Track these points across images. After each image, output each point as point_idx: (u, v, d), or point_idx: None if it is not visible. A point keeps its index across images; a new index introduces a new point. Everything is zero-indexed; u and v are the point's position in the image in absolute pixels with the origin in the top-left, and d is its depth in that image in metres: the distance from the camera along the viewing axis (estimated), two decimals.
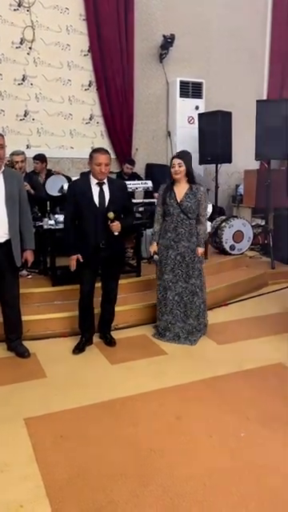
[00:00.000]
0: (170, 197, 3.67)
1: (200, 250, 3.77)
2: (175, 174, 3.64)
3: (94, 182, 3.44)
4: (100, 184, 3.44)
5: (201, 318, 3.85)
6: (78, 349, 3.64)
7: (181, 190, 3.68)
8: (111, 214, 3.38)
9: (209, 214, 5.18)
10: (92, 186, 3.44)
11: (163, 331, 3.84)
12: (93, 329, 3.80)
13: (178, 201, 3.65)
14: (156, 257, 3.77)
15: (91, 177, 3.46)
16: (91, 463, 2.28)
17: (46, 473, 2.21)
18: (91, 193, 3.43)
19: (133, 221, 3.86)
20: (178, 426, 2.61)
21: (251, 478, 2.18)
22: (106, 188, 3.46)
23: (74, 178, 5.18)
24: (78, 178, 4.42)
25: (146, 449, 2.39)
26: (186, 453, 2.37)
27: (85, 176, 3.59)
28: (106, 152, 3.44)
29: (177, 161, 3.64)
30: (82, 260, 3.46)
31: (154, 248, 3.79)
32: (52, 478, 2.18)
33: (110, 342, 3.79)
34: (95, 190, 3.44)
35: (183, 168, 3.62)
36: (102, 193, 3.45)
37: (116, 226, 3.41)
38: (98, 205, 3.43)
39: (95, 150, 3.47)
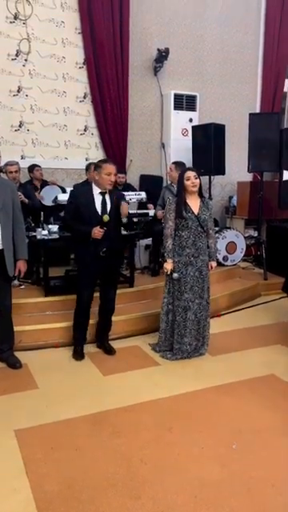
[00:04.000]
0: (186, 210, 3.55)
1: (214, 264, 3.72)
2: (193, 186, 3.53)
3: (96, 191, 3.52)
4: (102, 193, 3.51)
5: (206, 331, 3.78)
6: (80, 355, 3.67)
7: (194, 203, 3.59)
8: (106, 217, 3.43)
9: None
10: (95, 195, 3.51)
11: (182, 353, 3.69)
12: (85, 340, 3.80)
13: (196, 213, 3.57)
14: (176, 275, 3.57)
15: (94, 186, 3.53)
16: (82, 475, 2.26)
17: (36, 485, 2.19)
18: (94, 201, 3.50)
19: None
20: (169, 438, 2.60)
21: (243, 490, 2.17)
22: (107, 197, 3.54)
23: (68, 189, 5.22)
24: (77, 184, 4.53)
25: (137, 460, 2.38)
26: (177, 465, 2.36)
27: (87, 185, 3.64)
28: (114, 162, 3.55)
29: (193, 173, 3.55)
30: (101, 230, 3.42)
31: (170, 266, 3.57)
32: (42, 490, 2.15)
33: (110, 350, 3.80)
34: (98, 199, 3.51)
35: (198, 180, 3.56)
36: (104, 202, 3.52)
37: (125, 209, 3.55)
38: (100, 213, 3.48)
39: (103, 161, 3.58)
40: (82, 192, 3.61)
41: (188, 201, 3.59)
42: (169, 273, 3.62)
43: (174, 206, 3.60)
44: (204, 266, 3.65)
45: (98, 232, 3.41)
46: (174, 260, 3.60)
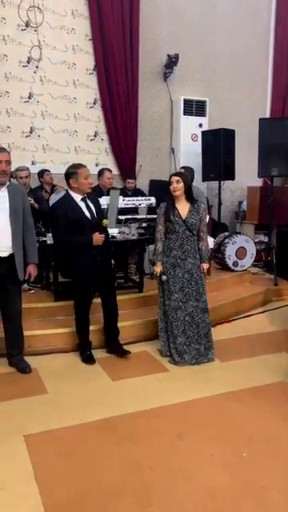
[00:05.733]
0: (173, 214, 3.64)
1: (205, 266, 3.76)
2: (173, 191, 3.62)
3: (78, 198, 3.55)
4: (83, 199, 3.56)
5: (209, 335, 3.79)
6: (92, 359, 3.69)
7: (183, 207, 3.67)
8: (106, 222, 3.54)
9: None
10: (78, 203, 3.55)
11: (180, 354, 3.70)
12: (91, 344, 3.82)
13: (183, 218, 3.64)
14: (164, 277, 3.66)
15: (73, 194, 3.55)
16: (91, 481, 2.25)
17: (45, 491, 2.18)
18: (80, 209, 3.54)
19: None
20: (179, 445, 2.58)
21: (253, 498, 2.14)
22: (88, 201, 3.60)
23: (54, 201, 5.23)
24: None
25: (147, 467, 2.36)
26: (187, 472, 2.33)
27: (65, 196, 3.64)
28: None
29: (175, 178, 3.64)
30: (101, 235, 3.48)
31: (159, 268, 3.70)
32: (51, 496, 2.15)
33: (124, 352, 3.79)
34: (82, 206, 3.55)
35: (181, 185, 3.62)
36: (88, 207, 3.58)
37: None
38: (90, 218, 3.54)
39: (78, 166, 3.55)
40: (64, 204, 3.57)
41: (177, 205, 3.68)
42: (158, 275, 3.72)
43: (163, 210, 3.70)
44: (194, 269, 3.69)
45: (100, 238, 3.47)
46: (163, 261, 3.70)
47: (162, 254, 3.71)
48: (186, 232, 3.64)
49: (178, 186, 3.62)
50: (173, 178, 3.67)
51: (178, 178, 3.64)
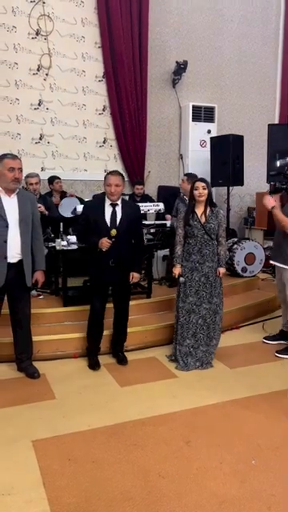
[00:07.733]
0: (193, 219, 3.68)
1: (222, 270, 3.78)
2: (199, 196, 3.66)
3: (108, 202, 3.57)
4: (113, 205, 3.55)
5: (216, 335, 3.83)
6: (96, 364, 3.70)
7: (202, 211, 3.71)
8: (114, 232, 3.50)
9: None
10: (106, 207, 3.56)
11: (185, 357, 3.75)
12: (98, 350, 3.83)
13: (202, 222, 3.67)
14: (182, 279, 3.72)
15: (106, 198, 3.58)
16: (99, 488, 2.25)
17: (53, 497, 2.18)
18: (103, 213, 3.55)
19: (143, 246, 3.94)
20: (187, 452, 2.57)
21: (262, 507, 2.12)
22: (118, 209, 3.57)
23: (87, 200, 5.28)
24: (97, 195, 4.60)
25: (155, 474, 2.35)
26: (195, 480, 2.32)
27: (99, 196, 3.68)
28: (118, 174, 3.55)
29: (201, 184, 3.67)
30: (110, 241, 3.48)
31: (178, 270, 3.74)
32: (59, 502, 2.15)
33: (122, 360, 3.80)
34: (108, 210, 3.56)
35: (207, 191, 3.67)
36: (114, 213, 3.56)
37: (135, 278, 3.70)
38: (109, 224, 3.52)
39: (109, 172, 3.61)
40: (93, 204, 3.68)
41: (197, 210, 3.72)
42: (176, 277, 3.77)
43: (183, 215, 3.77)
44: (211, 272, 3.72)
45: (105, 242, 3.47)
46: (182, 265, 3.75)
47: (182, 258, 3.76)
48: (204, 236, 3.68)
49: (204, 192, 3.66)
50: (199, 183, 3.68)
51: (204, 184, 3.68)
